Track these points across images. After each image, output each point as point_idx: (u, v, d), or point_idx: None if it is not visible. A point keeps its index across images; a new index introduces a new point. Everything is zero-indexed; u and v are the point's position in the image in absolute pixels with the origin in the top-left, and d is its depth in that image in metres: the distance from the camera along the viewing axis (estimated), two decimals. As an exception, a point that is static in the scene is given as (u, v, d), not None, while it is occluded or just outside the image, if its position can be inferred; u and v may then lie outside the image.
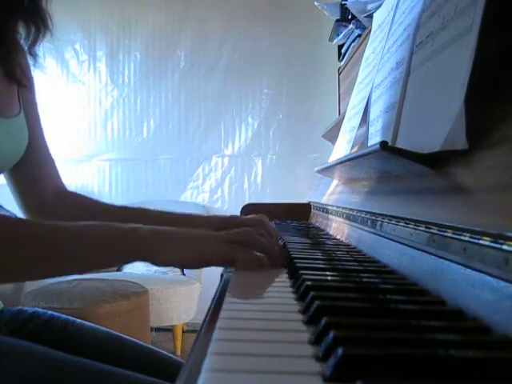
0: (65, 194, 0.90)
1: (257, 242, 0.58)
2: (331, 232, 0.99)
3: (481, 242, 0.36)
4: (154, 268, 2.67)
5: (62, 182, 0.91)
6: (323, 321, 0.32)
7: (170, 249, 0.55)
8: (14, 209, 0.86)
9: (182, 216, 0.81)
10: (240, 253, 0.55)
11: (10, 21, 0.76)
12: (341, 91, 1.71)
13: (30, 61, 0.84)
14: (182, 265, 0.60)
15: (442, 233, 0.43)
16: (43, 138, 0.88)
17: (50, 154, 0.89)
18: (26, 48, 0.81)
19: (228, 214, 0.86)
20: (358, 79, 1.04)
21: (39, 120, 0.88)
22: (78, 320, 0.85)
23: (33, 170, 0.86)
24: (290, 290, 0.47)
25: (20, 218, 0.62)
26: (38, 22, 0.80)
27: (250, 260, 0.55)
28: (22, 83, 0.81)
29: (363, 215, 0.74)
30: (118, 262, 0.60)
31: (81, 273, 0.62)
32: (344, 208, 0.90)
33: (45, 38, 0.81)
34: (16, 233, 0.54)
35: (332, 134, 1.42)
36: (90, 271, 0.61)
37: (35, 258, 0.54)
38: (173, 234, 0.56)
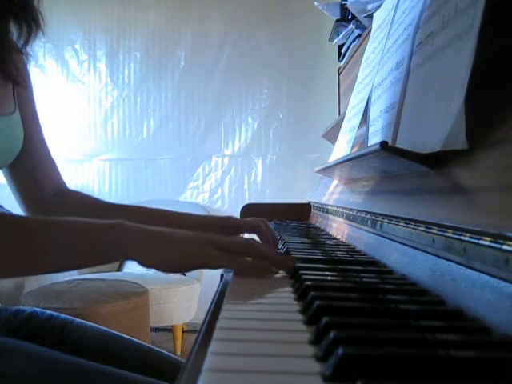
0: (65, 192, 0.89)
1: (260, 254, 0.55)
2: (331, 232, 0.99)
3: (481, 242, 0.36)
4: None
5: (62, 180, 0.91)
6: (323, 321, 0.32)
7: (154, 251, 0.51)
8: (15, 209, 0.86)
9: (177, 215, 0.80)
10: (236, 263, 0.53)
11: (1, 21, 0.76)
12: (341, 91, 1.71)
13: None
14: (170, 270, 0.54)
15: (442, 233, 0.43)
16: (41, 136, 0.88)
17: (48, 152, 0.89)
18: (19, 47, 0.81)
19: (228, 214, 0.85)
20: (358, 79, 1.04)
21: (37, 118, 0.87)
22: (78, 319, 0.85)
23: (31, 167, 0.85)
24: (290, 289, 0.47)
25: None
26: (30, 22, 0.80)
27: (248, 269, 0.53)
28: (16, 81, 0.80)
29: (363, 215, 0.74)
30: (97, 260, 0.54)
31: (54, 272, 0.58)
32: (344, 208, 0.90)
33: (37, 37, 0.81)
34: None
35: (332, 134, 1.42)
36: (66, 270, 0.57)
37: (3, 253, 0.51)
38: (160, 237, 0.52)
